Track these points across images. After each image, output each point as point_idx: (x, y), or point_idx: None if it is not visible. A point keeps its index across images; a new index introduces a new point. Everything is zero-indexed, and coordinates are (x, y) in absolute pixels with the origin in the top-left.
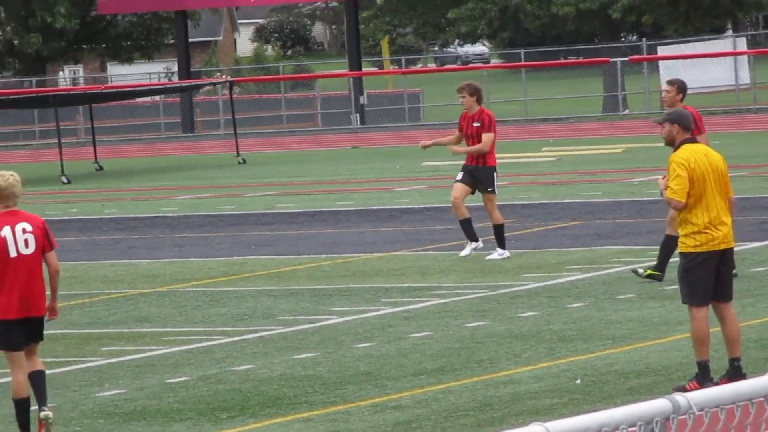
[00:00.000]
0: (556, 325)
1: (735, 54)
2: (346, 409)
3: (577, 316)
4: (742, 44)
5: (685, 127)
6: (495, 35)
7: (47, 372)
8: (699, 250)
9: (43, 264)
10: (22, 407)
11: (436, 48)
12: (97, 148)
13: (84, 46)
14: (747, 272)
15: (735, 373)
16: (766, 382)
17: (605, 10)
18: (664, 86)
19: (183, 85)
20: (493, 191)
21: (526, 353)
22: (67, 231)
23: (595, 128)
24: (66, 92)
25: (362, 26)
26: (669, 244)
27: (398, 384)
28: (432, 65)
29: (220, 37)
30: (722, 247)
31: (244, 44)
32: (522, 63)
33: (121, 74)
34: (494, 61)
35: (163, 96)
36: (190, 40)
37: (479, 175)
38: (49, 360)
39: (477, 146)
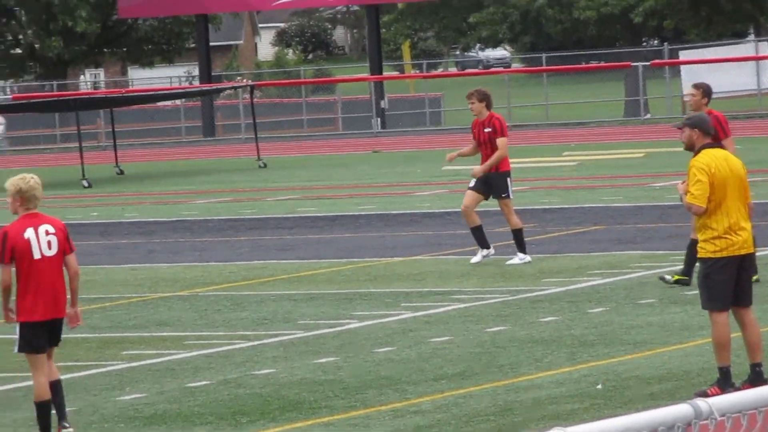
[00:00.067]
0: (577, 330)
1: (757, 59)
2: (367, 413)
3: (598, 321)
4: (764, 48)
5: (705, 131)
6: (516, 39)
7: (67, 376)
8: (719, 255)
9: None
10: (43, 410)
11: (458, 52)
12: (118, 152)
13: (105, 49)
14: None
15: (756, 378)
16: None
17: (627, 15)
18: (690, 90)
19: (204, 89)
20: (508, 196)
21: (547, 358)
22: (87, 235)
23: (616, 133)
24: (87, 96)
25: (383, 30)
26: (694, 248)
27: (419, 388)
28: (453, 69)
29: (241, 41)
30: (742, 252)
31: (265, 48)
32: (543, 67)
33: (142, 78)
34: (515, 66)
35: (184, 100)
36: (211, 44)
37: (492, 181)
38: (69, 364)
39: (495, 156)
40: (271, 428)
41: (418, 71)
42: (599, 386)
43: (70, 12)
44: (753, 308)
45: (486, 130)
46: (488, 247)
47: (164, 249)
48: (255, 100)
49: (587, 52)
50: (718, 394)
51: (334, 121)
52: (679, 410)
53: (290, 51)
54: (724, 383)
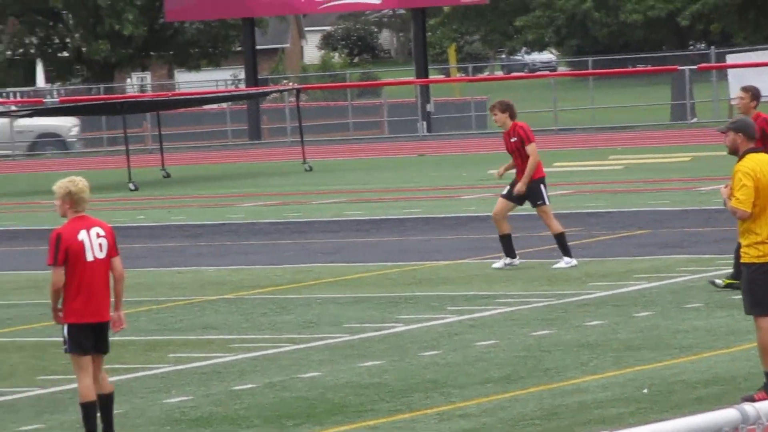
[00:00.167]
0: (623, 334)
1: None
2: (412, 417)
3: (644, 325)
4: None
5: (749, 136)
6: (562, 43)
7: (114, 379)
8: (762, 260)
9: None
10: (89, 411)
11: (503, 56)
12: (165, 155)
13: (152, 53)
14: None
15: None
16: None
17: (673, 18)
18: (738, 93)
19: (250, 92)
20: (544, 203)
21: (592, 362)
22: (134, 237)
23: (663, 136)
24: (134, 99)
25: (429, 34)
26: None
27: (464, 392)
28: (499, 73)
29: (288, 45)
30: None
31: (311, 51)
32: (589, 71)
33: (189, 81)
34: (561, 69)
35: (230, 103)
36: (258, 47)
37: (527, 190)
38: (116, 366)
39: (529, 165)
40: (316, 431)
41: (463, 75)
42: (645, 390)
43: (118, 15)
44: None
45: (512, 139)
46: (514, 257)
47: (210, 252)
48: (301, 103)
49: (633, 56)
50: (765, 399)
51: (379, 124)
52: (727, 415)
53: (336, 54)
54: None
